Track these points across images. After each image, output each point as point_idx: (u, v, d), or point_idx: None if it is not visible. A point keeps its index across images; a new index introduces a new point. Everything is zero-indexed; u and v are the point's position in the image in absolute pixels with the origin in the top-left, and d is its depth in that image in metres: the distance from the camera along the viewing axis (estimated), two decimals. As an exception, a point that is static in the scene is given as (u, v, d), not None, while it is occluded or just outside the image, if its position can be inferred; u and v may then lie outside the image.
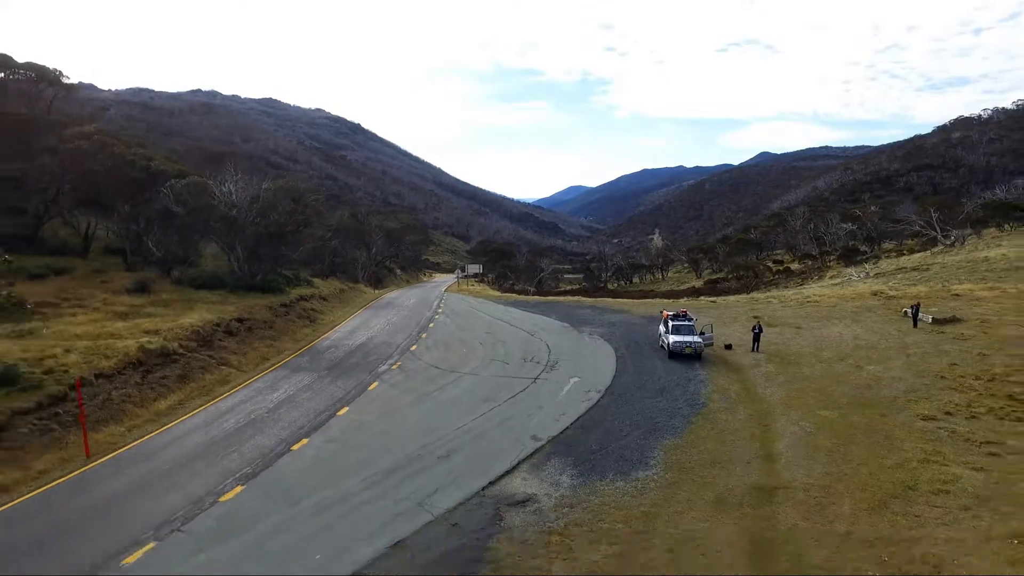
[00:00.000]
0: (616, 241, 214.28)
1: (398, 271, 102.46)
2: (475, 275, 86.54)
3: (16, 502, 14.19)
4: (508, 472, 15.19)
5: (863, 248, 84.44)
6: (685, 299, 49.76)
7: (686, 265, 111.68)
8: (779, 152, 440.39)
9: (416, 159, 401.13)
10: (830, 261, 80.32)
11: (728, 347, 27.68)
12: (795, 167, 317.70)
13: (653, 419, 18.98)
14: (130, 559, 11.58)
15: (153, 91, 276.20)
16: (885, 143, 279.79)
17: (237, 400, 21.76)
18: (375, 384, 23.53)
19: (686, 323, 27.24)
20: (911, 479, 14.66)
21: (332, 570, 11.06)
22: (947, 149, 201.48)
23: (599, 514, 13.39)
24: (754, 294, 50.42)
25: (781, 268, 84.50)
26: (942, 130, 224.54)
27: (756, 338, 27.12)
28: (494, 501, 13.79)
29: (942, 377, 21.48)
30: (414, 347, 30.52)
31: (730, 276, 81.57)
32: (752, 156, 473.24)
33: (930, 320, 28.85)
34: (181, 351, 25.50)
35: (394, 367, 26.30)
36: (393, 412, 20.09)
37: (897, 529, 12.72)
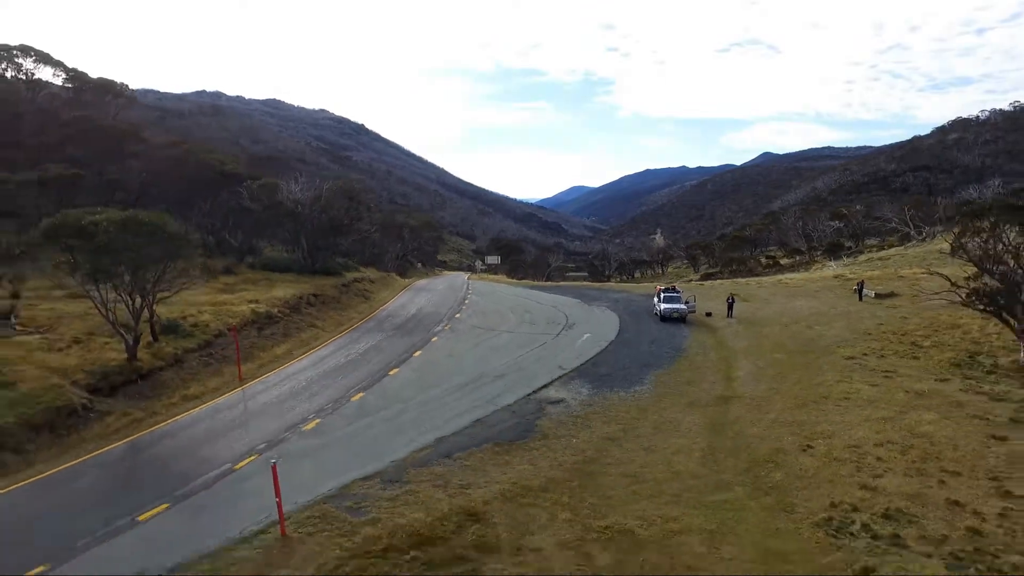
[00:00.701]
0: (618, 241, 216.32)
1: (419, 264, 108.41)
2: (493, 266, 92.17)
3: (212, 403, 19.83)
4: (545, 386, 20.77)
5: (848, 244, 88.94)
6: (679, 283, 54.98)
7: (685, 261, 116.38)
8: (781, 152, 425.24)
9: (419, 159, 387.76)
10: (817, 256, 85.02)
11: (708, 314, 33.15)
12: (796, 167, 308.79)
13: (647, 358, 24.52)
14: (308, 426, 17.21)
15: (160, 92, 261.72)
16: (887, 143, 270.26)
17: (332, 349, 27.43)
18: (435, 338, 29.22)
19: (675, 294, 32.80)
20: (826, 392, 20.04)
21: (443, 431, 16.65)
22: (943, 150, 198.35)
23: (608, 409, 18.91)
24: (737, 279, 55.81)
25: (772, 263, 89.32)
26: (940, 131, 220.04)
27: (730, 307, 32.58)
28: (537, 401, 19.36)
29: (868, 333, 26.81)
30: (458, 315, 36.18)
31: (725, 270, 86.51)
32: (754, 156, 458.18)
33: (872, 295, 34.15)
34: (279, 315, 31.16)
35: (446, 328, 31.97)
36: (454, 354, 25.77)
37: (809, 417, 18.11)
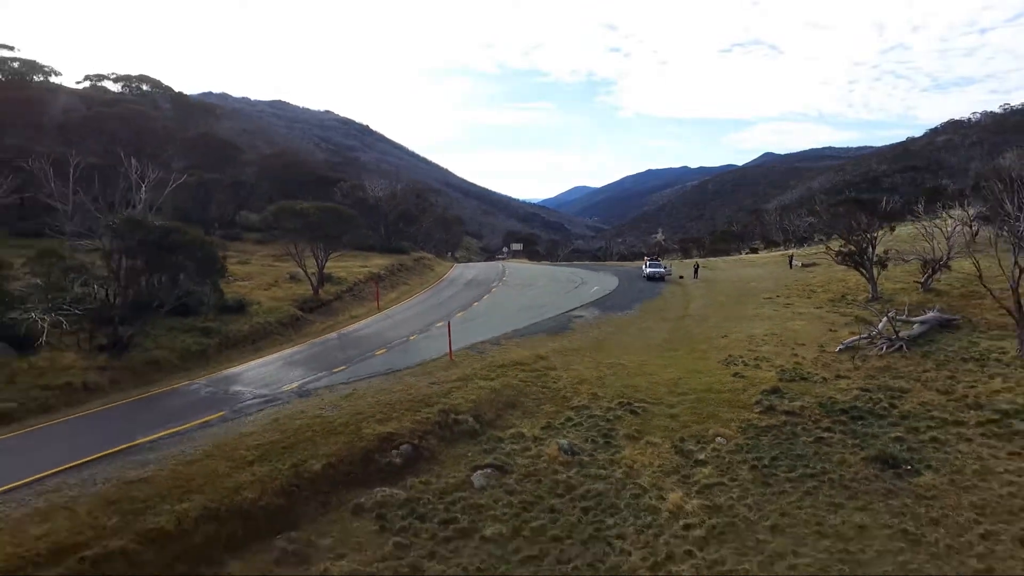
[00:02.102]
0: (620, 240, 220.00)
1: (448, 253, 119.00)
2: (516, 252, 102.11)
3: (369, 319, 29.85)
4: (571, 310, 30.63)
5: (820, 237, 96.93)
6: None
7: (679, 253, 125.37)
8: (783, 152, 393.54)
9: (424, 160, 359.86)
10: (791, 247, 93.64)
11: (680, 277, 42.84)
12: (797, 167, 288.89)
13: (635, 298, 34.33)
14: (438, 324, 27.21)
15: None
16: (888, 143, 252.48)
17: (427, 295, 37.47)
18: (493, 289, 39.20)
19: (657, 261, 42.68)
20: (744, 313, 29.67)
21: (515, 327, 26.54)
22: (932, 152, 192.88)
23: (611, 320, 28.74)
24: (709, 258, 65.43)
25: (752, 252, 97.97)
26: (933, 132, 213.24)
27: (696, 271, 42.31)
28: (567, 316, 29.24)
29: (786, 286, 36.27)
30: (504, 279, 46.07)
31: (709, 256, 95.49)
32: (756, 156, 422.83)
33: (800, 264, 43.55)
34: (384, 274, 41.17)
35: (498, 285, 41.89)
36: (510, 297, 35.73)
37: (730, 325, 27.76)
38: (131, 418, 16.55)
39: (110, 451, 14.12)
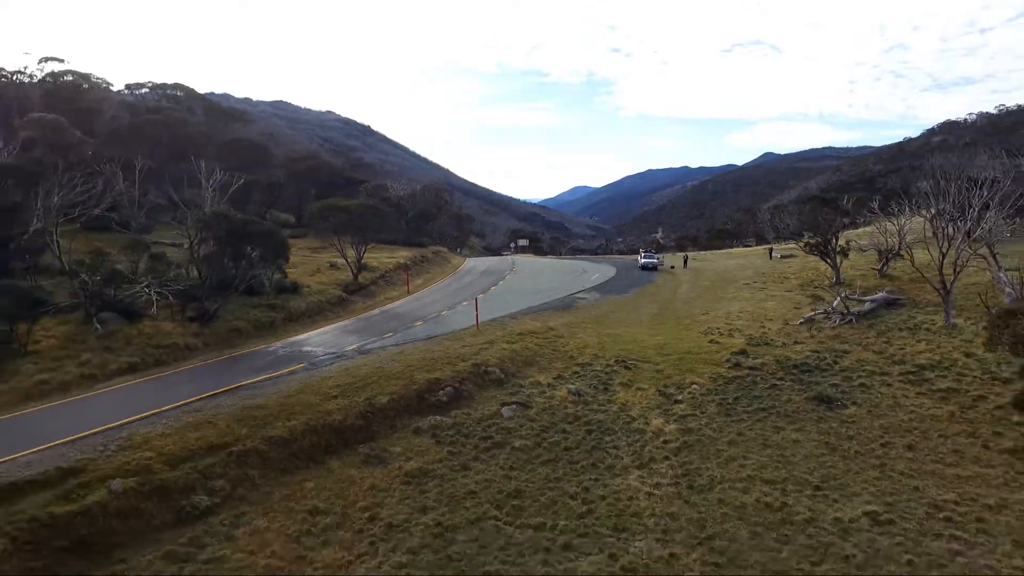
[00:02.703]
0: (620, 240, 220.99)
1: (459, 249, 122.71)
2: (523, 247, 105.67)
3: (403, 300, 33.55)
4: (575, 293, 34.23)
5: (808, 234, 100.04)
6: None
7: (675, 250, 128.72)
8: (783, 152, 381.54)
9: (425, 160, 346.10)
10: (780, 243, 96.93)
11: (672, 267, 46.45)
12: (796, 167, 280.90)
13: (631, 283, 37.95)
14: (463, 303, 30.90)
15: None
16: (887, 143, 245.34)
17: (449, 281, 41.15)
18: (507, 277, 42.87)
19: (651, 253, 46.29)
20: (724, 296, 33.26)
21: (528, 305, 30.21)
22: (927, 152, 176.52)
23: (609, 301, 32.37)
24: (700, 252, 69.04)
25: (745, 247, 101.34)
26: (929, 133, 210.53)
27: (685, 261, 45.94)
28: (572, 297, 32.87)
29: (764, 274, 39.82)
30: (514, 269, 49.82)
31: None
32: (756, 156, 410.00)
33: (779, 256, 47.05)
34: (410, 264, 44.87)
35: (510, 274, 45.54)
36: (522, 283, 39.36)
37: (711, 306, 31.38)
38: (231, 369, 20.33)
39: (225, 389, 17.91)
